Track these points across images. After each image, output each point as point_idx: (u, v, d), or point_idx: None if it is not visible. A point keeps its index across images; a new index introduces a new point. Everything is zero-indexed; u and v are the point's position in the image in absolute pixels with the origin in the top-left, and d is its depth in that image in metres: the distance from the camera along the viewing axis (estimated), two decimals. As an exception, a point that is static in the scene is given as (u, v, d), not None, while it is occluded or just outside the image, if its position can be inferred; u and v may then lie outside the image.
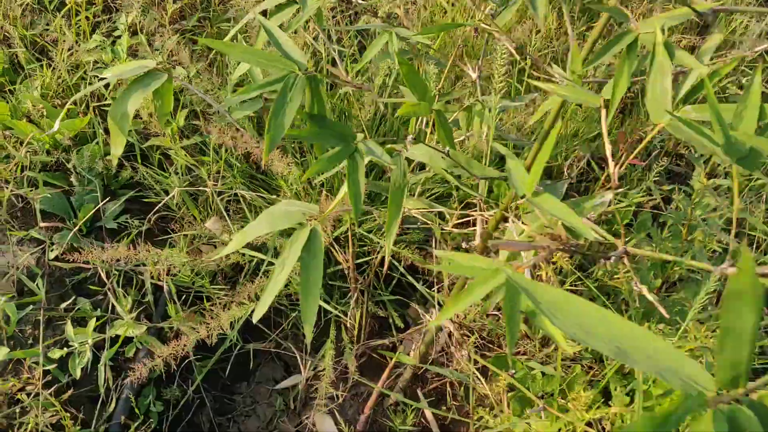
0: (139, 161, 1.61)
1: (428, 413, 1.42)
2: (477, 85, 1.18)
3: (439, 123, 1.05)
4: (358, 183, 0.88)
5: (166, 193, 1.58)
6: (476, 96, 1.17)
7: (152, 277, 1.40)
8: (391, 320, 1.50)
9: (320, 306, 1.48)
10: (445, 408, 1.46)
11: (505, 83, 1.04)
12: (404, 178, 0.94)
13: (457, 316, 1.32)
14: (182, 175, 1.51)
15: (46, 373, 1.19)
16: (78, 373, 1.21)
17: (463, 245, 1.16)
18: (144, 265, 1.41)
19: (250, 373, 1.52)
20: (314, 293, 0.97)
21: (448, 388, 1.42)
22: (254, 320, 0.91)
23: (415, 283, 1.43)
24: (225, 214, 1.39)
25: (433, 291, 1.49)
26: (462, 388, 1.42)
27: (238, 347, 1.43)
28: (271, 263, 1.39)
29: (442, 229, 1.41)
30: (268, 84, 0.81)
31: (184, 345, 1.09)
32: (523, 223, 1.04)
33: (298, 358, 1.44)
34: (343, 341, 1.44)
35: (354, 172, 0.88)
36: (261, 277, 1.29)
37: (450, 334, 1.36)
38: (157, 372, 1.37)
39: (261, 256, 1.39)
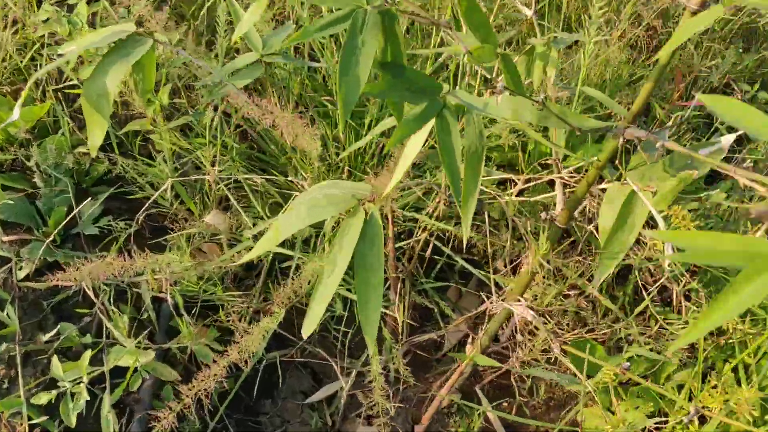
0: (116, 151, 1.35)
1: (492, 416, 1.23)
2: (536, 25, 0.97)
3: (506, 69, 0.84)
4: (452, 150, 0.66)
5: (152, 186, 1.33)
6: (537, 36, 0.96)
7: (151, 289, 1.16)
8: (437, 310, 1.29)
9: (354, 300, 1.27)
10: (506, 405, 1.27)
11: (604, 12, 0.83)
12: (482, 140, 0.73)
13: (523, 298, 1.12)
14: (171, 163, 1.26)
15: (32, 427, 0.95)
16: (73, 421, 0.97)
17: (542, 216, 0.96)
18: (141, 274, 1.16)
19: (274, 387, 1.30)
20: (376, 296, 0.77)
21: (513, 382, 1.23)
22: (305, 335, 0.70)
23: (470, 267, 1.23)
24: (234, 203, 1.16)
25: (480, 271, 1.29)
26: (529, 379, 1.23)
27: (264, 361, 1.20)
28: (296, 259, 1.16)
29: (491, 198, 1.20)
30: (332, 24, 0.58)
31: (215, 375, 0.87)
32: (623, 182, 0.85)
33: (334, 365, 1.23)
34: (385, 339, 1.22)
35: (446, 134, 0.66)
36: (292, 278, 1.06)
37: (513, 323, 1.16)
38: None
39: (286, 251, 1.16)
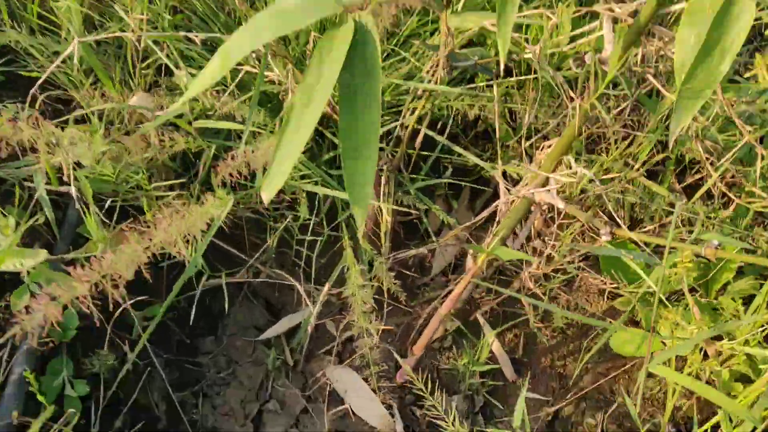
0: (6, 17, 1.03)
1: (496, 346, 0.98)
2: None
3: None
4: None
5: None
6: None
7: (48, 181, 0.85)
8: (426, 220, 1.03)
9: (325, 196, 1.00)
10: (513, 337, 1.02)
11: None
12: None
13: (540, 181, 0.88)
14: (79, 22, 0.95)
15: None
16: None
17: (586, 59, 0.72)
18: (33, 164, 0.86)
19: (218, 320, 1.02)
20: (370, 145, 0.54)
21: (524, 304, 0.98)
22: (265, 199, 0.48)
23: (473, 157, 0.97)
24: (165, 60, 0.86)
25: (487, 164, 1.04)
26: (544, 299, 0.98)
27: (204, 278, 0.92)
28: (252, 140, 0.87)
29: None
30: None
31: (129, 261, 0.58)
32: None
33: (297, 285, 0.95)
34: (363, 251, 0.96)
35: None
36: (244, 152, 0.78)
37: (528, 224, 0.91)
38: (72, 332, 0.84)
39: (233, 126, 0.88)
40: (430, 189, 1.12)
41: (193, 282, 0.94)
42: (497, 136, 0.90)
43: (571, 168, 0.66)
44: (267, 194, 0.52)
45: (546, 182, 0.80)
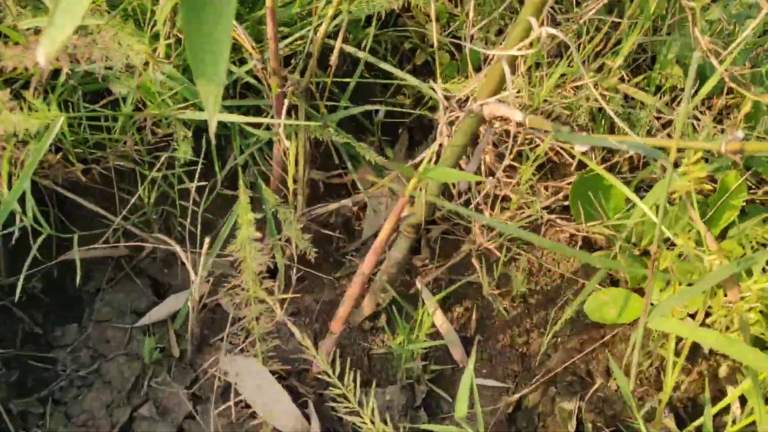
0: None
1: (440, 320, 0.78)
2: None
3: None
4: None
5: None
6: None
7: None
8: (349, 167, 0.82)
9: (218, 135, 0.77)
10: (463, 310, 0.82)
11: None
12: None
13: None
14: None
15: None
16: None
17: None
18: None
19: (84, 305, 0.78)
20: None
21: (476, 264, 0.77)
22: (42, 61, 0.30)
23: (402, 74, 0.77)
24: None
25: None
26: (498, 267, 0.77)
27: (41, 238, 0.68)
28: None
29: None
30: None
31: None
32: None
33: (180, 254, 0.72)
34: (264, 202, 0.74)
35: None
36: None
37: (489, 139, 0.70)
38: None
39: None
40: (359, 136, 0.91)
41: (48, 255, 0.70)
42: (434, 29, 0.69)
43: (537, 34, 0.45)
44: (45, 51, 0.31)
45: (498, 89, 0.60)
